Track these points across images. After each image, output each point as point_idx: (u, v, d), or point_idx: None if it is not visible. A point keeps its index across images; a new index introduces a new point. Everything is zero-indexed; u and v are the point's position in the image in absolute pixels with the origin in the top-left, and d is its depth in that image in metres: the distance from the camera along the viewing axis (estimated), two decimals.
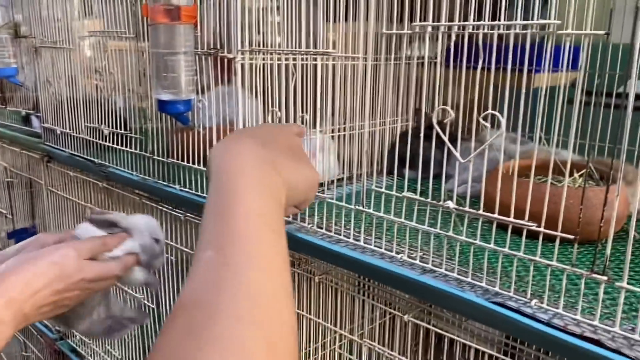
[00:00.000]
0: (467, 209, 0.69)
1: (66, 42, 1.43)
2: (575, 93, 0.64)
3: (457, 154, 0.69)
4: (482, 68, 0.68)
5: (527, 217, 0.65)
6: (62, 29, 1.44)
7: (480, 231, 0.70)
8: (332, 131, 1.15)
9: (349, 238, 0.86)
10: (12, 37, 1.69)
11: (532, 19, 0.62)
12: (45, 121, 1.61)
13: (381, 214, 0.80)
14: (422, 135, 0.74)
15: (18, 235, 1.85)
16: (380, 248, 0.82)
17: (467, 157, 0.74)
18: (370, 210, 0.81)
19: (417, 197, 0.74)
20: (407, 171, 1.24)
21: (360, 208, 0.83)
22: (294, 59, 0.93)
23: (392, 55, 1.12)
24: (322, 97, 0.86)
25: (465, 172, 1.21)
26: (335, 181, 1.19)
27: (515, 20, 0.62)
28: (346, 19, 0.90)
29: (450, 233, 0.72)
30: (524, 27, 0.60)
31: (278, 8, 0.95)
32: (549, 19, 0.61)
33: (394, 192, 0.77)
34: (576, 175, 0.96)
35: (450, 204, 0.70)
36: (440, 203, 0.71)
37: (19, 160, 1.83)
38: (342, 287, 0.93)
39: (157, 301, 1.34)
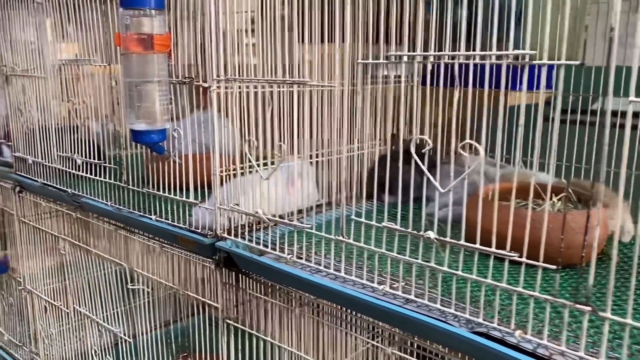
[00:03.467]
0: (448, 239, 0.68)
1: (38, 70, 1.40)
2: (551, 113, 0.64)
3: (437, 184, 0.68)
4: (460, 87, 0.68)
5: (509, 245, 0.64)
6: (33, 57, 1.41)
7: (463, 258, 0.69)
8: (311, 157, 1.14)
9: (329, 268, 0.84)
10: None
11: (506, 43, 0.61)
12: (16, 150, 1.57)
13: (361, 244, 0.78)
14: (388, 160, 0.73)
15: None
16: (362, 279, 0.80)
17: (447, 180, 0.74)
18: (351, 241, 0.80)
19: (398, 227, 0.73)
20: (387, 197, 1.23)
21: (340, 238, 0.81)
22: (271, 87, 0.92)
23: (368, 77, 1.12)
24: (301, 124, 0.85)
25: (445, 196, 1.20)
26: (314, 208, 1.17)
27: (490, 49, 0.62)
28: (322, 41, 0.90)
29: (432, 264, 0.70)
30: (499, 57, 0.60)
31: (253, 31, 0.95)
32: (524, 45, 0.61)
33: (373, 222, 0.76)
34: (555, 199, 0.96)
35: (431, 234, 0.69)
36: (421, 233, 0.70)
37: None
38: (323, 319, 0.91)
39: (134, 335, 1.30)
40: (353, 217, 0.79)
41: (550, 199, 0.97)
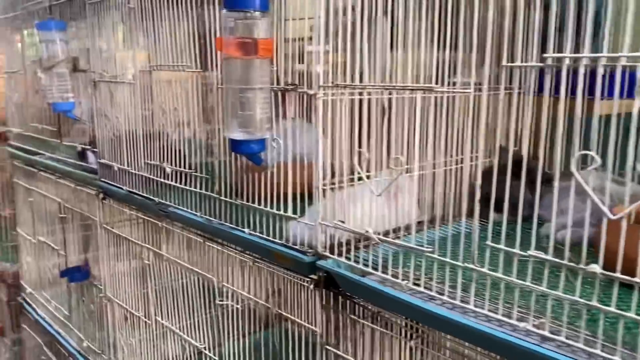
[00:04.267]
0: (618, 275, 0.57)
1: (127, 75, 1.38)
2: None
3: (605, 209, 0.58)
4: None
5: None
6: (122, 62, 1.39)
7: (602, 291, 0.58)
8: (410, 170, 1.05)
9: (454, 299, 0.75)
10: (71, 72, 1.66)
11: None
12: (101, 157, 1.56)
13: (501, 275, 0.68)
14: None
15: (71, 274, 1.79)
16: (497, 313, 0.70)
17: (564, 198, 0.66)
18: (486, 270, 0.70)
19: (549, 257, 0.63)
20: (495, 214, 1.12)
21: (472, 266, 0.72)
22: (385, 93, 0.84)
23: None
24: (423, 134, 0.76)
25: (562, 216, 1.08)
26: (414, 225, 1.08)
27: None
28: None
29: (594, 302, 0.60)
30: None
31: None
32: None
33: (517, 250, 0.66)
34: None
35: (597, 268, 0.58)
36: (582, 266, 0.60)
37: (73, 196, 1.79)
38: (441, 354, 0.82)
39: (219, 351, 1.24)
40: (489, 242, 0.69)
41: None
